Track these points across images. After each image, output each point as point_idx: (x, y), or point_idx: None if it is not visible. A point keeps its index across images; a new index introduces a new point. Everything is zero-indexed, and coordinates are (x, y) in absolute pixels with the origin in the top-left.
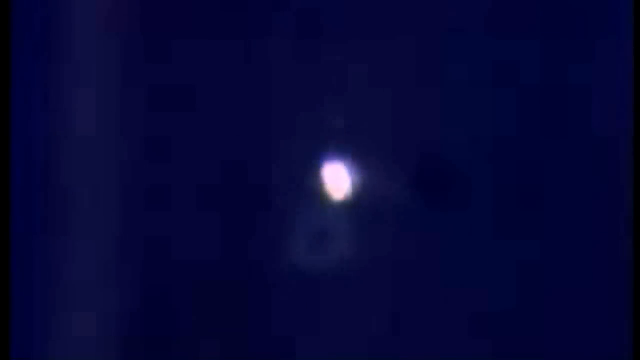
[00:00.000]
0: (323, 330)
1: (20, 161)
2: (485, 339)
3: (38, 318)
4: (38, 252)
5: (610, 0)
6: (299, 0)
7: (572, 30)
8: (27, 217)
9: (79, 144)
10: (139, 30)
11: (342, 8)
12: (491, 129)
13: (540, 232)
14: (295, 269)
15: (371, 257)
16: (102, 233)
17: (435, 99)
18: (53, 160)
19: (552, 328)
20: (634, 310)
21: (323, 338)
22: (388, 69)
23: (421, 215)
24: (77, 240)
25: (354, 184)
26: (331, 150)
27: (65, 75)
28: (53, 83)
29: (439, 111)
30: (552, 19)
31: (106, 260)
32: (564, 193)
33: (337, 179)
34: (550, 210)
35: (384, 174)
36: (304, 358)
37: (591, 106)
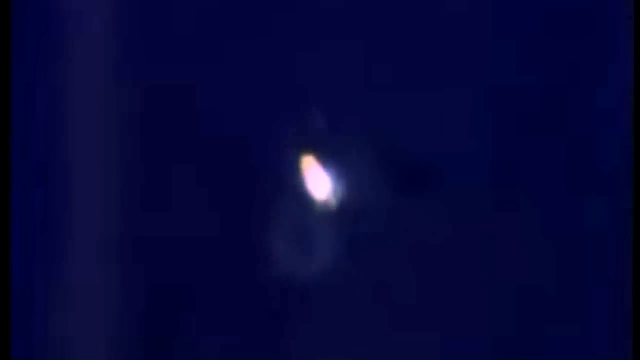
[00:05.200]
0: (314, 333)
1: (20, 161)
2: (478, 340)
3: (38, 318)
4: (38, 252)
5: (610, 0)
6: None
7: (572, 31)
8: (27, 217)
9: (79, 143)
10: (139, 29)
11: (332, 8)
12: (488, 130)
13: (540, 233)
14: (279, 271)
15: (354, 258)
16: (101, 233)
17: (431, 99)
18: (53, 160)
19: (551, 328)
20: (633, 311)
21: (313, 338)
22: (372, 69)
23: (408, 215)
24: (77, 240)
25: (336, 185)
26: (313, 150)
27: (65, 75)
28: (53, 82)
29: (435, 112)
30: (552, 19)
31: (106, 260)
32: (563, 193)
33: (320, 180)
34: (550, 210)
35: (367, 174)
36: (293, 356)
37: (591, 106)
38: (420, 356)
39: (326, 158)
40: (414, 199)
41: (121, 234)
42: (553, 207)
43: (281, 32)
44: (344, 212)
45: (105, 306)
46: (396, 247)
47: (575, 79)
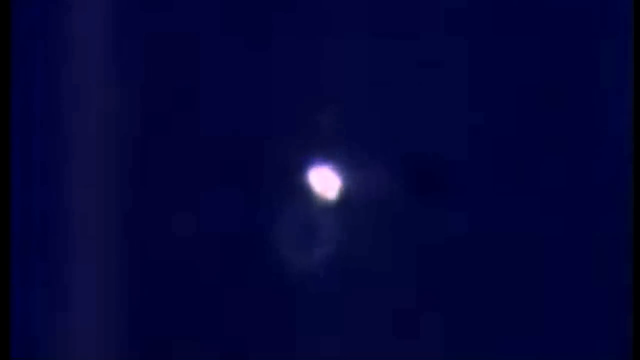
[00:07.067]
0: (315, 329)
1: (20, 161)
2: (477, 337)
3: (38, 318)
4: (38, 252)
5: (610, 0)
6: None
7: (572, 30)
8: (27, 217)
9: (79, 143)
10: (139, 28)
11: (336, 6)
12: (488, 129)
13: (539, 233)
14: (285, 268)
15: (361, 255)
16: (101, 233)
17: (434, 99)
18: (53, 160)
19: (550, 328)
20: (634, 311)
21: (315, 335)
22: (374, 68)
23: (417, 215)
24: (77, 240)
25: (345, 183)
26: (321, 148)
27: (65, 75)
28: (53, 82)
29: (436, 111)
30: (552, 19)
31: (106, 260)
32: (563, 193)
33: (328, 178)
34: (550, 210)
35: (377, 173)
36: (294, 355)
37: (591, 106)
38: (423, 354)
39: (333, 157)
40: (414, 200)
41: (121, 233)
42: (553, 207)
43: (284, 29)
44: (352, 212)
45: (105, 306)
46: (402, 246)
47: (575, 79)
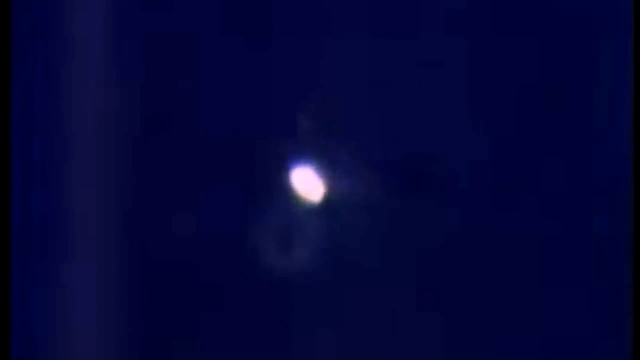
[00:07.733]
0: (317, 331)
1: (20, 161)
2: (477, 340)
3: (38, 318)
4: (38, 252)
5: (610, 0)
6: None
7: (572, 30)
8: (27, 217)
9: (79, 143)
10: (139, 28)
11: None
12: (488, 129)
13: (539, 234)
14: (272, 271)
15: (348, 258)
16: (101, 233)
17: (433, 99)
18: (53, 160)
19: (550, 328)
20: (634, 312)
21: (314, 334)
22: (370, 69)
23: (405, 216)
24: (77, 240)
25: (344, 182)
26: (320, 148)
27: (65, 75)
28: (53, 82)
29: (436, 111)
30: (552, 19)
31: (106, 260)
32: (563, 193)
33: (315, 180)
34: (550, 211)
35: (377, 172)
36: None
37: (591, 106)
38: (418, 352)
39: (332, 157)
40: (412, 201)
41: (121, 233)
42: (553, 208)
43: (284, 29)
44: (341, 213)
45: (105, 306)
46: (393, 247)
47: (575, 79)
